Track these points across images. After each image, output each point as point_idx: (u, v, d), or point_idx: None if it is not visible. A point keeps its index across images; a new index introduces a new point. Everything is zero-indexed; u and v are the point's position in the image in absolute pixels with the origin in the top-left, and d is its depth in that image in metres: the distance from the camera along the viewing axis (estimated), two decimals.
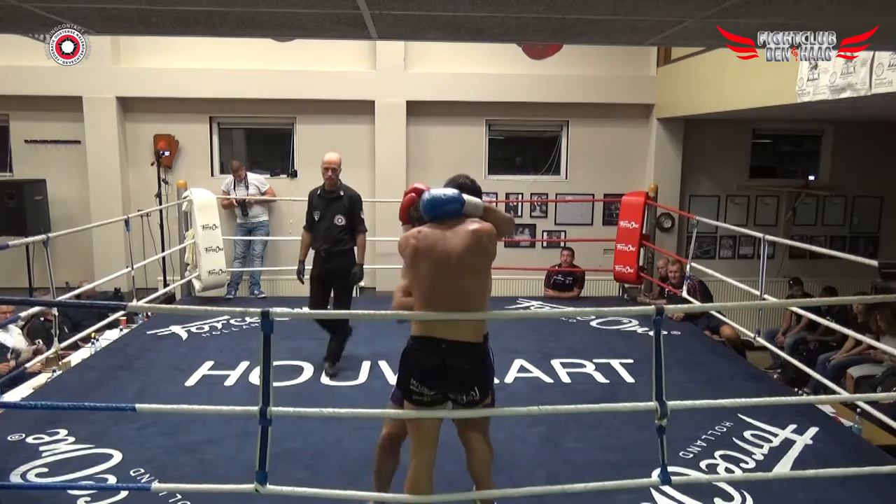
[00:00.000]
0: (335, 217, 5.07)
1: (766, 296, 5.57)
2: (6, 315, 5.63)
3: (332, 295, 5.18)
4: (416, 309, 2.79)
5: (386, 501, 2.99)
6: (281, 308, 2.80)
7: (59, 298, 5.24)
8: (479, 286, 2.76)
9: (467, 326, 2.72)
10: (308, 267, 5.26)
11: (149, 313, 6.65)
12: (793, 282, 8.08)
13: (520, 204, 9.08)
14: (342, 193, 5.11)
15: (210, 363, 5.32)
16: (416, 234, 2.76)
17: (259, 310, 2.69)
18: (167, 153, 8.39)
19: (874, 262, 4.38)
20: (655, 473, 3.43)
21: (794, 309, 6.67)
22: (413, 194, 3.09)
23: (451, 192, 2.76)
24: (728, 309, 7.58)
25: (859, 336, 5.25)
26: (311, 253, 5.26)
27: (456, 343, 2.70)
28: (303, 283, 5.23)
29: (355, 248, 5.17)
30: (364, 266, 5.22)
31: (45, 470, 3.55)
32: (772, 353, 6.22)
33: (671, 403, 2.83)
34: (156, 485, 3.12)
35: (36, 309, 5.54)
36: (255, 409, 2.71)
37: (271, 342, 2.71)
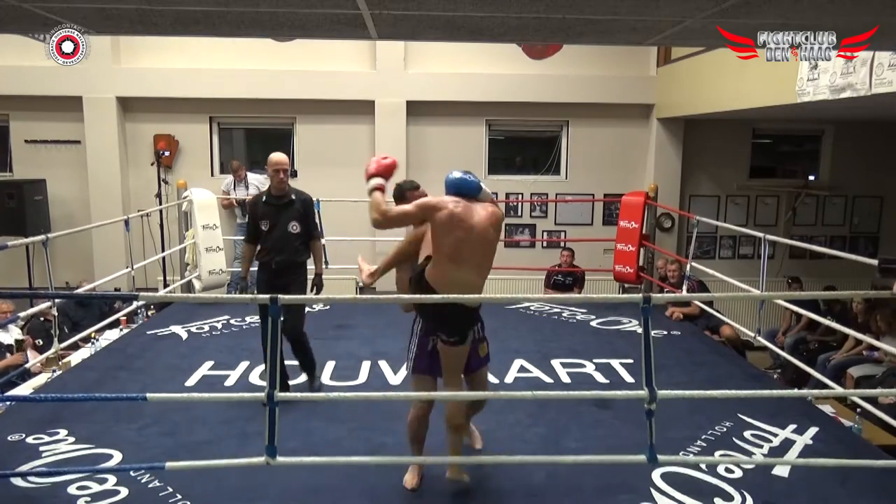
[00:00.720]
0: (289, 224, 4.51)
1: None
2: (6, 315, 5.64)
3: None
4: (436, 268, 3.13)
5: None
6: (290, 296, 2.86)
7: (72, 292, 5.26)
8: (491, 258, 3.26)
9: (478, 291, 3.21)
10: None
11: (149, 313, 6.65)
12: (791, 280, 8.09)
13: (520, 204, 9.08)
14: (294, 197, 4.56)
15: (210, 363, 5.32)
16: (454, 201, 3.12)
17: (268, 296, 2.79)
18: (167, 153, 8.40)
19: (874, 262, 4.38)
20: (655, 474, 3.46)
21: (793, 308, 6.66)
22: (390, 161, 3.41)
23: (473, 176, 3.25)
24: (719, 300, 7.57)
25: (860, 336, 5.25)
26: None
27: (474, 310, 3.27)
28: (247, 301, 4.58)
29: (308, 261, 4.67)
30: (323, 276, 4.74)
31: (45, 470, 3.55)
32: (772, 353, 6.22)
33: (662, 392, 2.90)
34: (169, 464, 3.15)
35: (36, 309, 5.55)
36: (262, 395, 2.84)
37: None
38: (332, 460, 3.09)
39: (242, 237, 8.06)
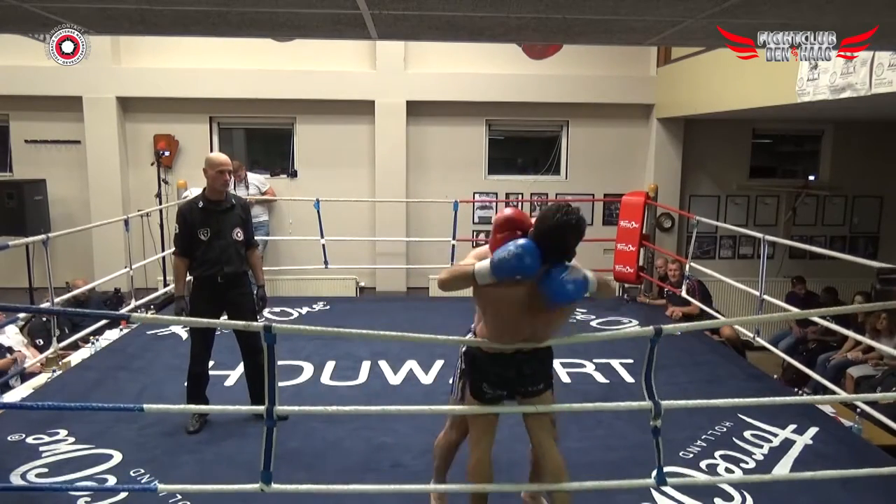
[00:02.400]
0: (233, 231, 4.17)
1: (765, 296, 5.57)
2: (4, 316, 5.63)
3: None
4: (486, 328, 2.83)
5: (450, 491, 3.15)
6: (283, 325, 2.75)
7: (58, 299, 5.24)
8: (550, 327, 2.86)
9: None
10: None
11: (149, 314, 6.65)
12: (796, 280, 8.10)
13: (520, 204, 9.07)
14: (234, 202, 4.27)
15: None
16: (501, 294, 2.64)
17: (261, 324, 2.67)
18: (167, 153, 8.39)
19: (874, 263, 4.38)
20: (654, 474, 3.45)
21: (795, 311, 6.66)
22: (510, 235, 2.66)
23: (579, 279, 2.54)
24: (721, 304, 7.58)
25: (859, 337, 5.25)
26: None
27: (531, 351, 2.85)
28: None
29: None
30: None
31: (45, 470, 3.55)
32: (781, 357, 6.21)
33: (666, 403, 2.87)
34: (160, 485, 3.13)
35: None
36: (262, 408, 2.75)
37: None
38: (328, 488, 3.01)
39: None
